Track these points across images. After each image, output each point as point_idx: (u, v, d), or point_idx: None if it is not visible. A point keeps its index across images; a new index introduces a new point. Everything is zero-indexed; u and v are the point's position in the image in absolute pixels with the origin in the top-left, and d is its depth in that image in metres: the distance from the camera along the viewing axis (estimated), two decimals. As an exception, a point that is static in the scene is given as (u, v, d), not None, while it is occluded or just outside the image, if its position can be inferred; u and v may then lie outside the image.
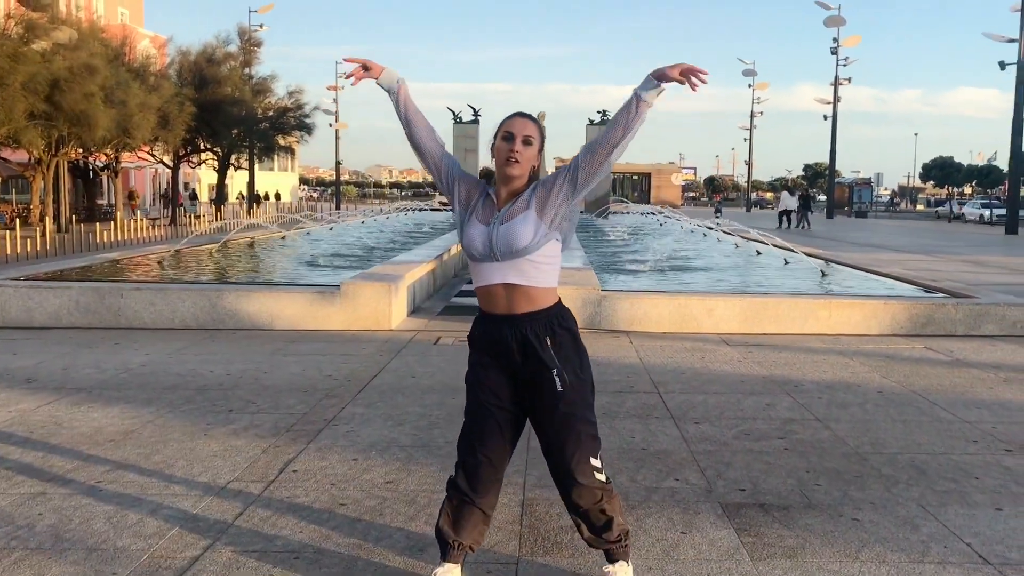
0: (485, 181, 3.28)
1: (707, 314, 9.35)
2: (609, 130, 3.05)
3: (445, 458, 4.89)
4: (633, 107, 3.01)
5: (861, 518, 4.07)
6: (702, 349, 8.32)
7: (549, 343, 3.11)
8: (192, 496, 4.30)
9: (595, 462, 3.17)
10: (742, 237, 19.92)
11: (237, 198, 53.57)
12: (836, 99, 59.70)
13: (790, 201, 40.77)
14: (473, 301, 11.09)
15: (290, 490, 4.40)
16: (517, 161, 3.10)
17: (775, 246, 16.53)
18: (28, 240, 19.68)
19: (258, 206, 49.02)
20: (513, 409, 3.21)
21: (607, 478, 3.24)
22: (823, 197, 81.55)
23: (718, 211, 53.48)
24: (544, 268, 3.11)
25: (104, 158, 35.59)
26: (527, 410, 3.22)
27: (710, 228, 20.98)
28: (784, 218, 40.13)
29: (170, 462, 4.83)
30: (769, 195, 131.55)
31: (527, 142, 3.11)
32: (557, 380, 3.11)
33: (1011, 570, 3.55)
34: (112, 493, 4.34)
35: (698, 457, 4.98)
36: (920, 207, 73.70)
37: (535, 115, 3.23)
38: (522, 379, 3.16)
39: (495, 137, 3.16)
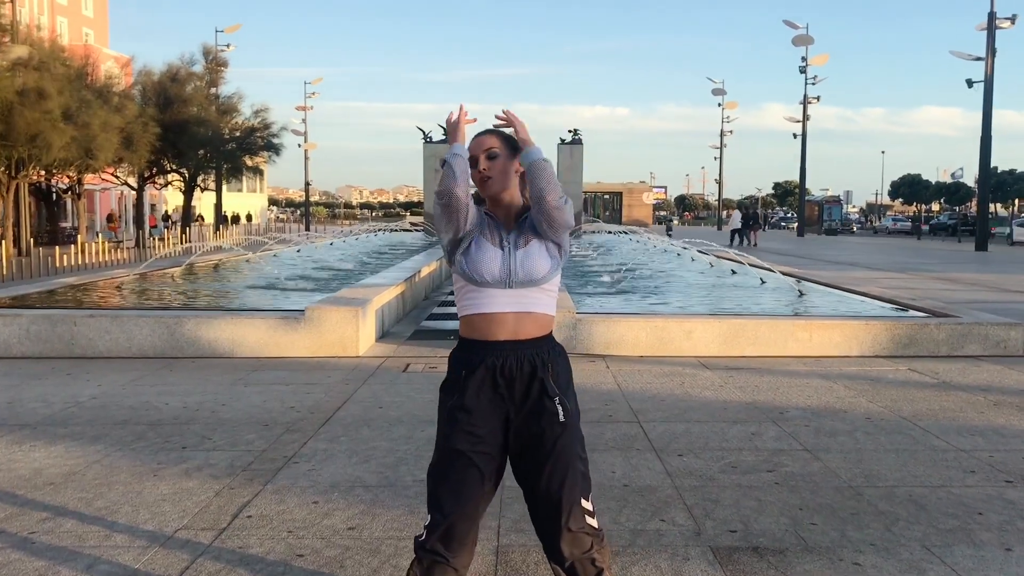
0: (479, 206, 2.99)
1: (685, 336, 9.07)
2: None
3: (413, 499, 4.55)
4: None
5: (863, 562, 3.77)
6: (681, 373, 8.03)
7: (550, 369, 2.87)
8: (135, 548, 3.92)
9: (587, 504, 2.86)
10: (702, 253, 19.74)
11: (197, 219, 52.74)
12: (805, 117, 60.16)
13: (738, 220, 41.95)
14: (444, 324, 10.66)
15: (243, 539, 4.02)
16: (489, 177, 2.87)
17: (751, 265, 16.34)
18: (-16, 264, 19.08)
19: (226, 227, 48.41)
20: (499, 455, 2.89)
21: (598, 524, 2.91)
22: (791, 215, 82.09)
23: (669, 229, 54.61)
24: (552, 295, 2.92)
25: (67, 180, 34.91)
26: (517, 450, 2.89)
27: (684, 248, 20.78)
28: (735, 235, 40.88)
29: (114, 508, 4.45)
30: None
31: (491, 155, 2.89)
32: (560, 410, 2.84)
33: (1030, 621, 3.26)
34: (46, 545, 3.95)
35: (684, 494, 4.66)
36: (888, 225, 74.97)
37: (497, 128, 2.96)
38: (520, 413, 2.85)
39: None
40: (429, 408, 6.57)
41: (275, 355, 8.86)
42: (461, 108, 2.91)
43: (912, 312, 10.39)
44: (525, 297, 2.85)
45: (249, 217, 69.73)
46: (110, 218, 44.04)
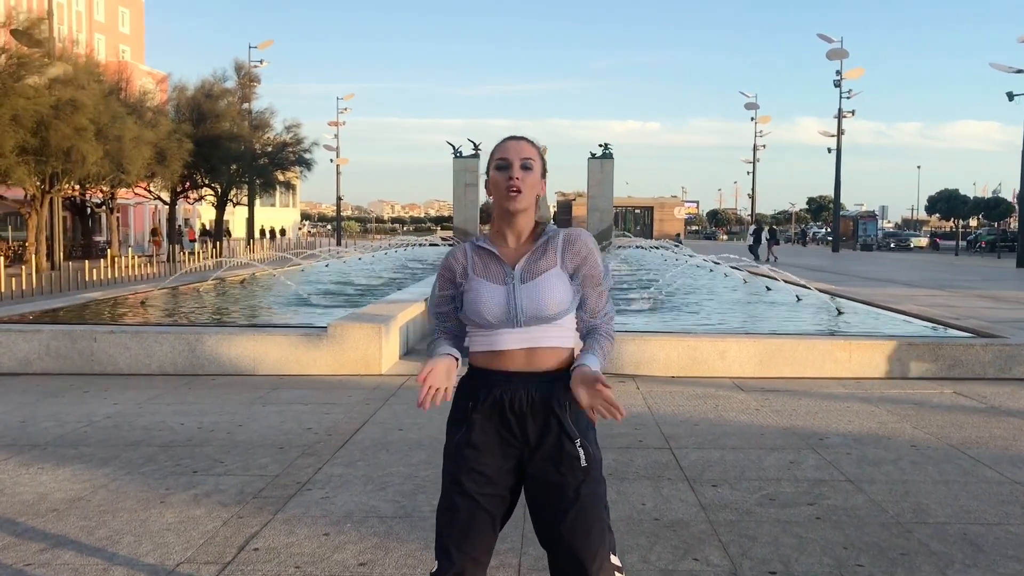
0: (473, 238, 2.71)
1: (719, 356, 8.74)
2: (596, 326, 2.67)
3: (429, 531, 4.28)
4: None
5: (916, 611, 3.45)
6: (715, 396, 7.71)
7: (569, 409, 2.55)
8: (133, 583, 3.69)
9: (615, 560, 2.57)
10: (734, 269, 19.38)
11: (225, 234, 52.91)
12: (840, 132, 59.44)
13: (758, 235, 42.30)
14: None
15: (248, 574, 3.78)
16: (519, 191, 2.54)
17: (786, 282, 15.95)
18: (13, 279, 19.12)
19: (261, 241, 48.62)
20: (510, 496, 2.61)
21: None
22: (825, 231, 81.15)
23: (678, 241, 54.71)
24: (571, 328, 2.62)
25: (100, 194, 35.19)
26: (533, 498, 2.60)
27: (716, 263, 20.40)
28: (752, 252, 40.64)
29: (116, 537, 4.22)
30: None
31: (526, 166, 2.57)
32: (581, 453, 2.53)
33: None
34: (40, 580, 3.73)
35: (719, 529, 4.36)
36: (923, 241, 74.11)
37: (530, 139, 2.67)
38: (535, 457, 2.56)
39: (488, 169, 2.61)
40: (451, 431, 6.30)
41: (297, 372, 8.66)
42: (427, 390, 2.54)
43: (956, 332, 9.98)
44: (538, 333, 2.56)
45: (283, 232, 70.08)
46: (154, 232, 44.34)
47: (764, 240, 41.19)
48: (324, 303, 13.28)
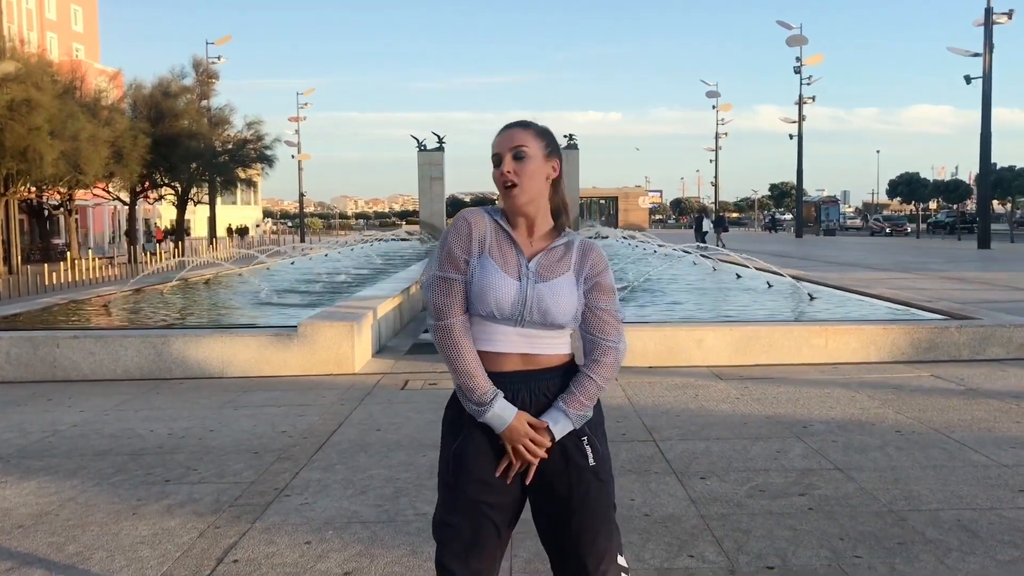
0: (489, 208, 2.48)
1: (696, 345, 8.67)
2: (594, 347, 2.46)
3: (414, 536, 4.15)
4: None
5: (919, 602, 3.38)
6: (695, 385, 7.63)
7: None
8: (107, 602, 3.52)
9: (622, 562, 2.43)
10: (704, 257, 19.38)
11: (185, 233, 52.19)
12: (801, 118, 59.91)
13: (705, 223, 43.50)
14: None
15: (228, 589, 3.62)
16: (514, 184, 2.36)
17: (757, 269, 15.96)
18: (-29, 284, 18.64)
19: (230, 240, 48.11)
20: (516, 504, 2.45)
21: None
22: (789, 216, 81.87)
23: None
24: (568, 335, 2.46)
25: (58, 196, 34.50)
26: (537, 500, 2.46)
27: (685, 252, 20.40)
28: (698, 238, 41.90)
29: (87, 553, 4.04)
30: (734, 215, 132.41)
31: (519, 156, 2.38)
32: (589, 450, 2.39)
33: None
34: (8, 601, 3.54)
35: (711, 524, 4.26)
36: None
37: (530, 121, 2.49)
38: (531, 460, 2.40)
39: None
40: (430, 429, 6.17)
41: (267, 374, 8.46)
42: None
43: (929, 315, 10.01)
44: (538, 338, 2.39)
45: (245, 230, 69.28)
46: (148, 232, 44.18)
47: (709, 227, 42.25)
48: (292, 302, 13.05)
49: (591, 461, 2.39)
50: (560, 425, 2.36)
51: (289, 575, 3.75)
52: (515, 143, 2.39)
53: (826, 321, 9.74)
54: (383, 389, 7.74)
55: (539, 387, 2.40)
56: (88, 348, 8.56)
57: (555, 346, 2.41)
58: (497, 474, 2.38)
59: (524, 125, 2.45)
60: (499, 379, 2.39)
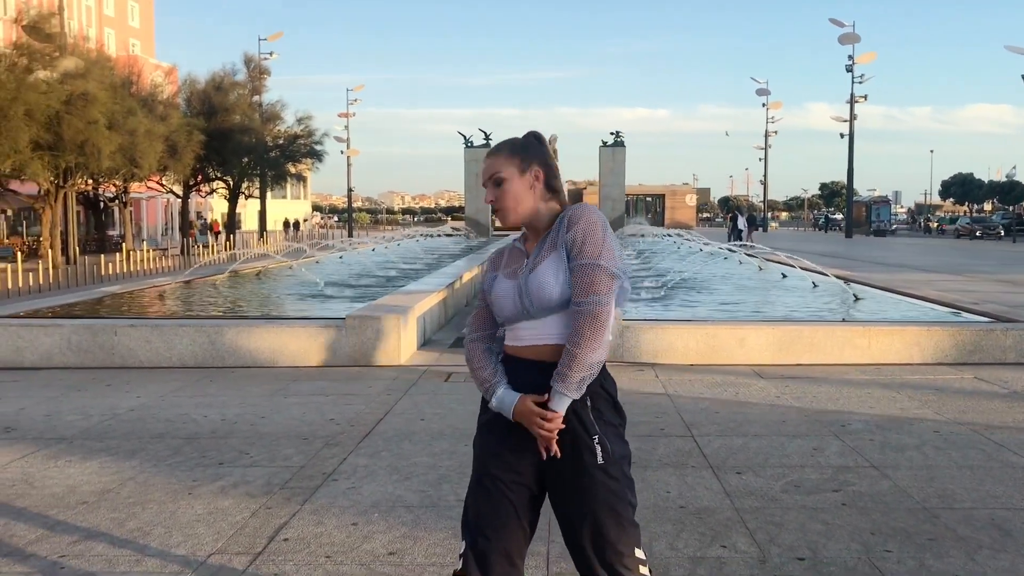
0: (513, 240, 2.72)
1: (738, 344, 8.74)
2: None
3: (455, 520, 4.30)
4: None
5: (946, 596, 3.46)
6: (735, 383, 7.71)
7: (590, 404, 2.51)
8: (167, 574, 3.73)
9: (640, 554, 2.54)
10: (750, 256, 19.32)
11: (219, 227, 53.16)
12: (852, 116, 59.10)
13: (740, 222, 43.87)
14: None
15: (279, 564, 3.81)
16: (498, 209, 2.59)
17: (802, 268, 15.90)
18: (30, 274, 19.24)
19: (286, 233, 49.04)
20: (533, 486, 2.57)
21: (650, 571, 2.62)
22: (840, 216, 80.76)
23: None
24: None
25: (113, 188, 35.35)
26: (552, 491, 2.58)
27: (731, 251, 20.35)
28: (732, 236, 41.84)
29: (147, 529, 4.26)
30: (784, 215, 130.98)
31: (496, 182, 2.57)
32: (599, 450, 2.50)
33: None
34: (75, 570, 3.77)
35: (745, 516, 4.37)
36: (934, 225, 73.41)
37: (549, 138, 2.71)
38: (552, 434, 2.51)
39: None
40: (472, 420, 6.25)
41: (316, 364, 8.70)
42: None
43: (974, 317, 9.95)
44: (543, 324, 2.50)
45: (296, 224, 70.22)
46: (191, 225, 45.39)
47: (744, 226, 42.62)
48: (341, 295, 13.31)
49: (599, 460, 2.49)
50: (556, 401, 2.44)
51: (337, 553, 3.93)
52: (492, 171, 2.59)
53: (869, 322, 9.73)
54: (427, 380, 7.92)
55: (549, 378, 2.51)
56: (145, 336, 8.87)
57: (558, 330, 2.50)
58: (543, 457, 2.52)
59: (497, 150, 2.61)
60: (521, 366, 2.54)
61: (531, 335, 2.53)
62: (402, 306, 9.50)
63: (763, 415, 6.52)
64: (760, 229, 46.91)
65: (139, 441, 5.92)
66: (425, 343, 10.10)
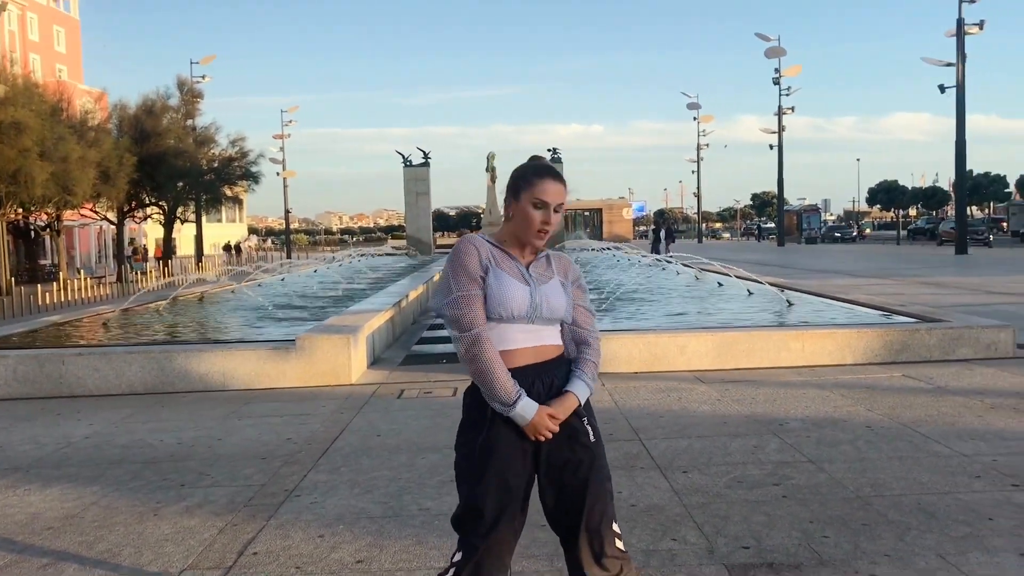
0: (479, 235, 2.92)
1: (679, 351, 9.06)
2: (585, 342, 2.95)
3: (419, 528, 4.49)
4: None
5: (879, 573, 3.75)
6: (678, 388, 8.01)
7: None
8: (140, 591, 3.84)
9: (617, 528, 2.85)
10: (686, 267, 19.83)
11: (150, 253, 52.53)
12: (781, 128, 60.60)
13: (661, 234, 46.06)
14: (435, 348, 10.59)
15: (251, 577, 3.95)
16: (548, 234, 2.84)
17: (737, 276, 16.38)
18: (-35, 305, 18.84)
19: (231, 257, 48.50)
20: (528, 484, 2.84)
21: (624, 547, 2.88)
22: (772, 225, 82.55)
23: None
24: (560, 329, 2.92)
25: (45, 217, 34.66)
26: (549, 477, 2.83)
27: (668, 262, 20.83)
28: (654, 248, 43.80)
29: (116, 550, 4.36)
30: (718, 225, 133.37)
31: (558, 210, 2.83)
32: (590, 430, 2.83)
33: (1052, 627, 3.24)
34: (49, 593, 3.86)
35: (692, 512, 4.63)
36: (867, 231, 75.55)
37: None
38: (553, 437, 2.78)
39: (518, 194, 2.81)
40: (428, 435, 6.52)
41: (267, 386, 8.78)
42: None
43: (902, 318, 10.43)
44: (543, 332, 2.84)
45: (238, 248, 69.37)
46: (135, 251, 44.83)
47: (662, 238, 44.88)
48: (287, 316, 13.36)
49: (591, 438, 2.83)
50: (582, 391, 2.83)
51: (306, 564, 4.08)
52: (560, 200, 2.84)
53: (803, 326, 10.15)
54: (380, 398, 8.07)
55: (548, 378, 2.82)
56: (93, 364, 8.86)
57: (553, 337, 2.87)
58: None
59: (560, 178, 2.87)
60: (516, 374, 2.78)
61: (535, 339, 2.81)
62: (351, 326, 9.63)
63: (706, 418, 6.82)
64: (674, 241, 50.09)
65: (97, 468, 5.98)
66: (375, 361, 10.23)
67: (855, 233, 69.87)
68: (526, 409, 2.72)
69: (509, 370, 2.77)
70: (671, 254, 34.67)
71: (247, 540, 4.43)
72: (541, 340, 2.83)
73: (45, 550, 4.41)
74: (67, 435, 7.01)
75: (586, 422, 2.84)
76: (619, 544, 2.84)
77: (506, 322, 2.78)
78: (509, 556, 2.81)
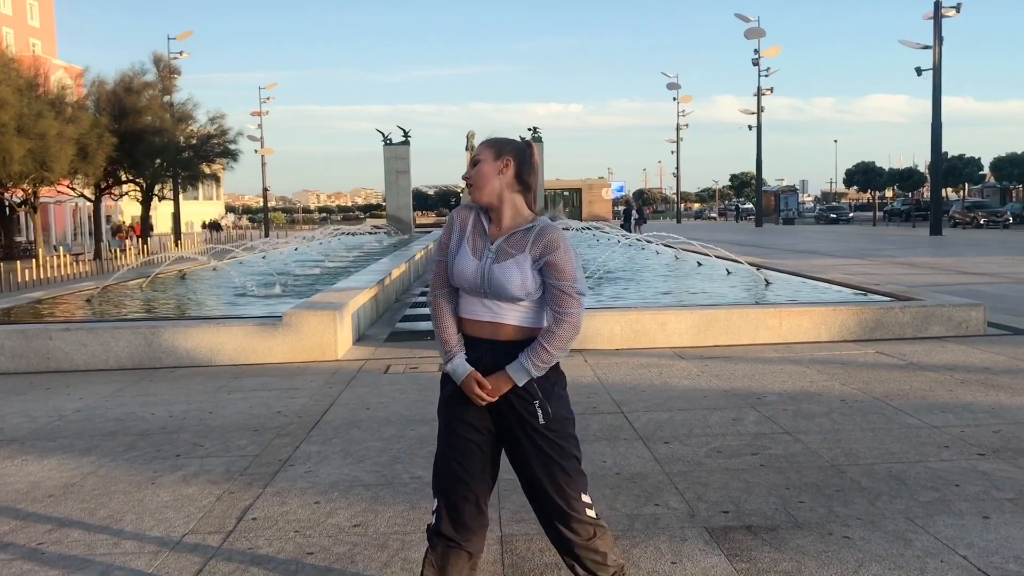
0: (478, 207, 3.03)
1: (660, 328, 9.26)
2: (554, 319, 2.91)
3: (412, 495, 4.66)
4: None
5: (851, 535, 3.95)
6: (658, 364, 8.21)
7: (536, 376, 2.93)
8: (146, 554, 3.99)
9: (585, 498, 2.99)
10: (667, 247, 20.04)
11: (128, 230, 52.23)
12: (760, 109, 60.88)
13: (632, 215, 47.10)
14: (418, 325, 10.76)
15: (251, 540, 4.11)
16: (471, 184, 2.98)
17: (716, 256, 16.61)
18: (-56, 282, 18.76)
19: (212, 235, 48.29)
20: (492, 441, 3.00)
21: (597, 514, 3.05)
22: (751, 206, 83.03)
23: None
24: (534, 310, 2.95)
25: (21, 193, 34.36)
26: (506, 445, 3.01)
27: (648, 242, 21.05)
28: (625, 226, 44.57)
29: (117, 516, 4.50)
30: (697, 206, 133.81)
31: (474, 163, 3.00)
32: (539, 412, 2.92)
33: (1012, 582, 3.46)
34: (56, 555, 4.00)
35: (674, 479, 4.82)
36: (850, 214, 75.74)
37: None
38: (500, 410, 2.94)
39: None
40: (416, 408, 6.68)
41: (254, 361, 8.90)
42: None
43: (877, 297, 10.68)
44: (501, 308, 2.91)
45: (218, 225, 68.91)
46: (119, 229, 44.54)
47: (633, 218, 46.18)
48: (271, 293, 13.45)
49: (540, 420, 2.92)
50: (516, 373, 2.87)
51: (304, 528, 4.24)
52: (475, 155, 3.02)
53: (780, 304, 10.38)
54: (367, 373, 8.22)
55: (501, 358, 2.91)
56: (80, 340, 8.94)
57: (515, 317, 2.91)
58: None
59: (484, 142, 3.05)
60: (473, 343, 2.96)
61: (490, 315, 2.92)
62: (336, 303, 9.75)
63: (686, 392, 7.02)
64: (646, 222, 51.53)
65: (91, 439, 6.09)
66: (360, 338, 10.37)
67: (851, 215, 69.34)
68: (456, 367, 2.91)
69: (467, 337, 2.96)
70: (642, 234, 35.06)
71: (245, 507, 4.58)
72: (498, 318, 2.90)
73: (48, 516, 4.54)
74: (58, 408, 7.11)
75: (537, 405, 2.91)
76: (589, 512, 2.99)
77: (465, 293, 2.94)
78: (481, 501, 2.98)
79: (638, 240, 21.17)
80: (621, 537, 3.97)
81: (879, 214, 65.50)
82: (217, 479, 5.07)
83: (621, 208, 57.76)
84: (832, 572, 3.57)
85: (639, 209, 51.75)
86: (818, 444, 5.42)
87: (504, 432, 2.98)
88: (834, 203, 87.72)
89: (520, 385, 2.88)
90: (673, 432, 5.80)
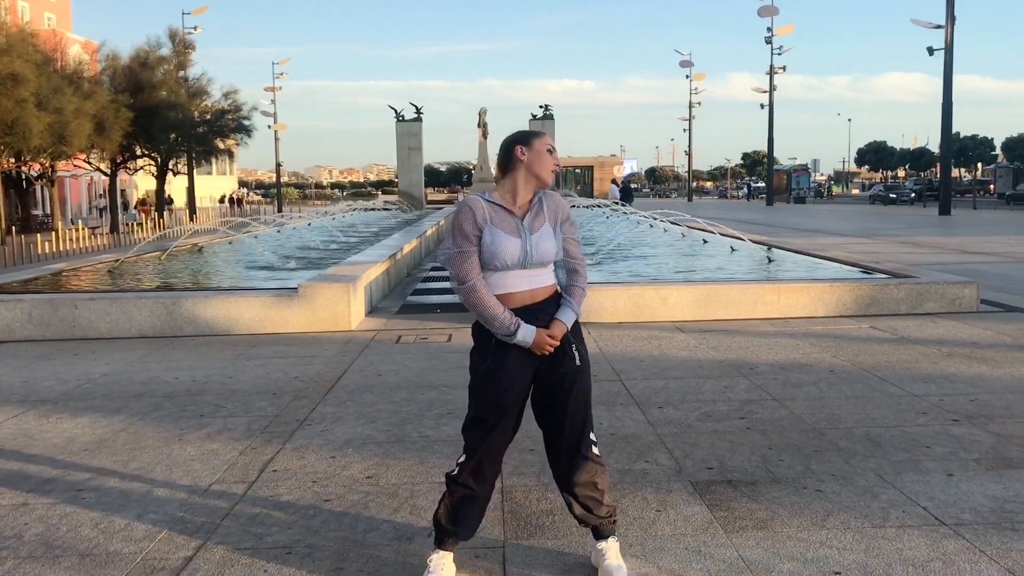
0: (480, 195, 3.36)
1: (661, 303, 9.58)
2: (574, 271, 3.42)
3: (421, 452, 5.02)
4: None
5: (824, 489, 4.29)
6: (658, 337, 8.54)
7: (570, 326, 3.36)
8: (176, 499, 4.37)
9: (594, 437, 3.42)
10: (674, 224, 20.31)
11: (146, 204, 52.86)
12: (772, 88, 60.74)
13: (615, 191, 46.24)
14: (429, 299, 11.14)
15: (273, 489, 4.48)
16: (557, 172, 3.44)
17: (722, 234, 16.89)
18: (-33, 253, 19.22)
19: (231, 209, 48.77)
20: (522, 401, 3.37)
21: (600, 453, 3.42)
22: (762, 184, 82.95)
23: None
24: (552, 268, 3.40)
25: (39, 167, 34.85)
26: (542, 392, 3.36)
27: (655, 219, 21.32)
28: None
29: (148, 468, 4.88)
30: (709, 184, 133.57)
31: (550, 150, 3.42)
32: (577, 354, 3.33)
33: (965, 530, 3.79)
34: (95, 500, 4.38)
35: (665, 439, 5.17)
36: (855, 191, 75.55)
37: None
38: (548, 360, 3.30)
39: (530, 142, 3.33)
40: (426, 375, 7.04)
41: (270, 331, 9.28)
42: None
43: (875, 275, 10.97)
44: (537, 274, 3.30)
45: (232, 199, 69.41)
46: (143, 202, 45.31)
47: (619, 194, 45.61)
48: (287, 267, 13.83)
49: (578, 361, 3.34)
50: (568, 316, 3.31)
51: (321, 479, 4.61)
52: (550, 146, 3.41)
53: (779, 280, 10.68)
54: (379, 343, 8.59)
55: (541, 317, 3.30)
56: (104, 309, 9.33)
57: (547, 278, 3.35)
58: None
59: (540, 132, 3.47)
60: (527, 307, 3.30)
61: (527, 284, 3.28)
62: (350, 275, 10.11)
63: (682, 362, 7.36)
64: (632, 200, 52.93)
65: (120, 400, 6.49)
66: (372, 310, 10.74)
67: (912, 195, 63.63)
68: (526, 334, 3.24)
69: (514, 307, 3.29)
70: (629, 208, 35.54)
71: (266, 460, 4.95)
72: (534, 283, 3.29)
73: (86, 467, 4.92)
74: (87, 372, 7.51)
75: (574, 348, 3.33)
76: (595, 450, 3.39)
77: (501, 271, 3.26)
78: (500, 457, 3.40)
79: (644, 217, 21.43)
80: (612, 489, 4.29)
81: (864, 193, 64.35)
82: (239, 436, 5.45)
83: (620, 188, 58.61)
84: (802, 520, 3.92)
85: (626, 188, 52.60)
86: (803, 410, 5.76)
87: (542, 380, 3.33)
88: (893, 182, 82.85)
89: (569, 327, 3.30)
90: (667, 398, 6.15)
